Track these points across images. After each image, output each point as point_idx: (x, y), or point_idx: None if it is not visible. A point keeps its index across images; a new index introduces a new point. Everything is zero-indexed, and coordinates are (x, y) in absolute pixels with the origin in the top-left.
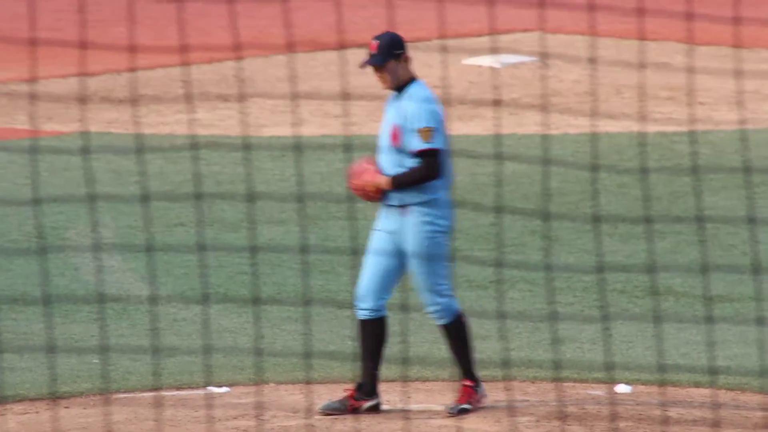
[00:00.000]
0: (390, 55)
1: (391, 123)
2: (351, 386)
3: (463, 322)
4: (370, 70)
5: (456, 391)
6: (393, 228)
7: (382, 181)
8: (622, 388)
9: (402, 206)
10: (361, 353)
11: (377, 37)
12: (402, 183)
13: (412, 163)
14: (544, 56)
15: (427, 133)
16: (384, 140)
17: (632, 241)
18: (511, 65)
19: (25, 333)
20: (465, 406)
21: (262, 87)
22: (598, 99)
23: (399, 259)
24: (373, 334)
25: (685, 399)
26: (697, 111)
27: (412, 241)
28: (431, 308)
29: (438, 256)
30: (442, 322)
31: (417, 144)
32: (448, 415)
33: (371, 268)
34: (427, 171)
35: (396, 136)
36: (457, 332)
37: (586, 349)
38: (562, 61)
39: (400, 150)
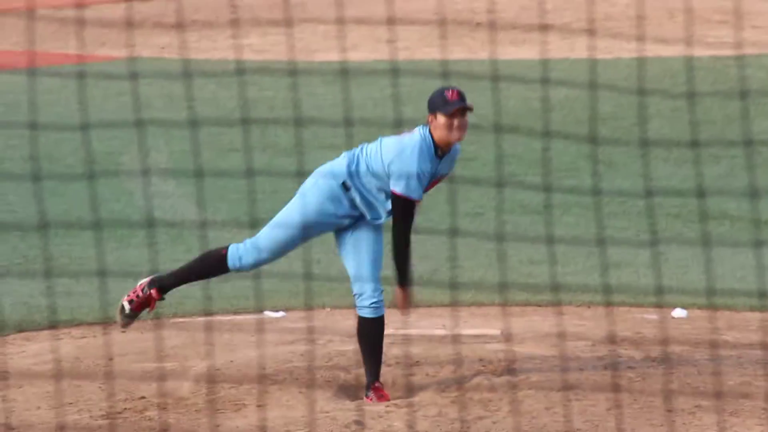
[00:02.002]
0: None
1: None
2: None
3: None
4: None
5: None
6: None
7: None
8: (678, 313)
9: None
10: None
11: (455, 88)
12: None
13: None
14: None
15: None
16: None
17: (686, 165)
18: None
19: (80, 257)
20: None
21: (312, 12)
22: (652, 23)
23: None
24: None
25: (741, 323)
26: (750, 35)
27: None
28: (377, 293)
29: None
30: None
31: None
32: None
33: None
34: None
35: (438, 182)
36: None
37: (642, 274)
38: None
39: None
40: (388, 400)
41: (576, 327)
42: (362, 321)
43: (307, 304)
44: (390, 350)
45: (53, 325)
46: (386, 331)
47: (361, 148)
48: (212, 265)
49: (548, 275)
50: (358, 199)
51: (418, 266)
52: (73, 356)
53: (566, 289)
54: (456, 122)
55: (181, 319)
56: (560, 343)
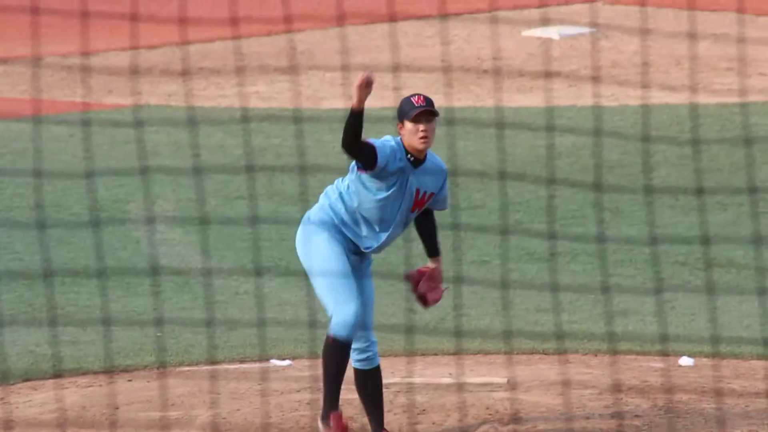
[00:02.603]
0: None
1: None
2: None
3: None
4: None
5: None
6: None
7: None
8: (684, 361)
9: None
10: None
11: (421, 95)
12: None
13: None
14: (602, 27)
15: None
16: (406, 206)
17: (693, 213)
18: (570, 37)
19: (87, 306)
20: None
21: (320, 59)
22: (658, 70)
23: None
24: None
25: (748, 371)
26: (757, 82)
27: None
28: (373, 346)
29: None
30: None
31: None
32: None
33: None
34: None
35: (422, 203)
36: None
37: (648, 322)
38: (620, 32)
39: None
40: None
41: (582, 375)
42: (361, 373)
43: (312, 352)
44: (396, 399)
45: (59, 374)
46: (393, 380)
47: (342, 179)
48: (336, 354)
49: (554, 323)
50: (348, 231)
51: (424, 314)
52: (79, 405)
53: (572, 338)
54: (421, 127)
55: (187, 368)
56: (566, 391)
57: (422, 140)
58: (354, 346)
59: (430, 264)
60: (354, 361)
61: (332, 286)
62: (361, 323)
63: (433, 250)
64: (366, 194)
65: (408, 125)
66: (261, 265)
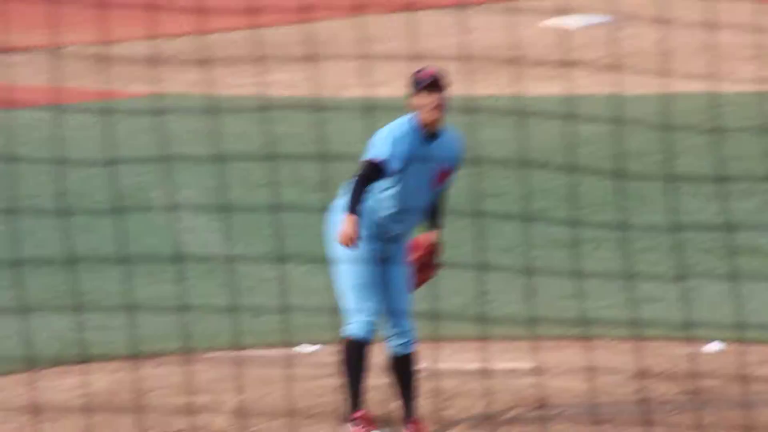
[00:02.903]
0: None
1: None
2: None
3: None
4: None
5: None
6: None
7: (434, 238)
8: (712, 347)
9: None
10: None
11: (429, 68)
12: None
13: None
14: (623, 16)
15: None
16: (427, 183)
17: (718, 200)
18: (590, 26)
19: (114, 292)
20: None
21: (342, 48)
22: (680, 59)
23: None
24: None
25: None
26: None
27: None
28: (409, 333)
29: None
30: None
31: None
32: None
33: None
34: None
35: (443, 178)
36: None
37: (675, 308)
38: (641, 21)
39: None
40: None
41: (609, 361)
42: (395, 359)
43: (339, 338)
44: (423, 384)
45: (87, 360)
46: (419, 366)
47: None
48: (355, 355)
49: (581, 309)
50: (375, 219)
51: (450, 300)
52: (107, 390)
53: (599, 323)
54: (431, 99)
55: (215, 354)
56: (593, 377)
57: (434, 110)
58: (390, 332)
59: (429, 235)
60: (394, 346)
61: (354, 287)
62: (384, 319)
63: (435, 224)
64: (386, 181)
65: (419, 97)
66: (287, 252)
